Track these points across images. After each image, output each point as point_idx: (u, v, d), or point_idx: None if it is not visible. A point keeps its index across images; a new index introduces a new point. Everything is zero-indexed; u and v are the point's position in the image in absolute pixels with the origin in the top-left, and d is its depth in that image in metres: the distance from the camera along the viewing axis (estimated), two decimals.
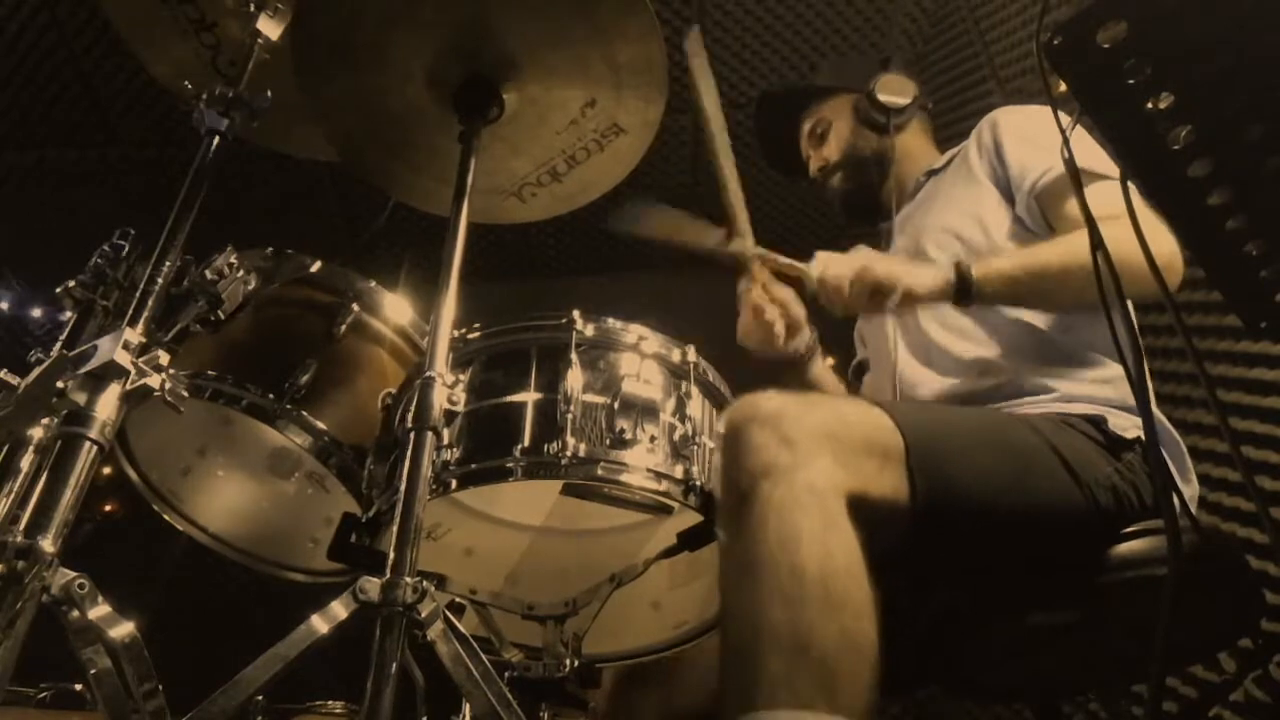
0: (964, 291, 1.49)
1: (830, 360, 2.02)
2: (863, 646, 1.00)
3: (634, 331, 1.41)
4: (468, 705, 1.16)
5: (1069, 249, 1.48)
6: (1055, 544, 1.33)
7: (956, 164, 1.88)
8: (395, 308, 1.72)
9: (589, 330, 1.38)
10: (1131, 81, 0.78)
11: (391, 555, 1.03)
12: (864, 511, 1.12)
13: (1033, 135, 1.71)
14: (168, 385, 1.10)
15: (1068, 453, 1.33)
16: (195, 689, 0.99)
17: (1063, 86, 0.82)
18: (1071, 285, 1.47)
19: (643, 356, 1.38)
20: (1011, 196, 1.70)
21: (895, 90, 1.99)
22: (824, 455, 1.13)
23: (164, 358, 1.12)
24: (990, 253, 1.67)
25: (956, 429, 1.34)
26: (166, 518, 1.74)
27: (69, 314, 1.31)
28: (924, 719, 2.97)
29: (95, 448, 1.03)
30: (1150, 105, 0.79)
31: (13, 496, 1.05)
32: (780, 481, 1.09)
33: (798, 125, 2.15)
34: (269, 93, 1.47)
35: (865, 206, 2.06)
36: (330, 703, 1.75)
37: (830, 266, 1.60)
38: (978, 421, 1.40)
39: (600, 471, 1.27)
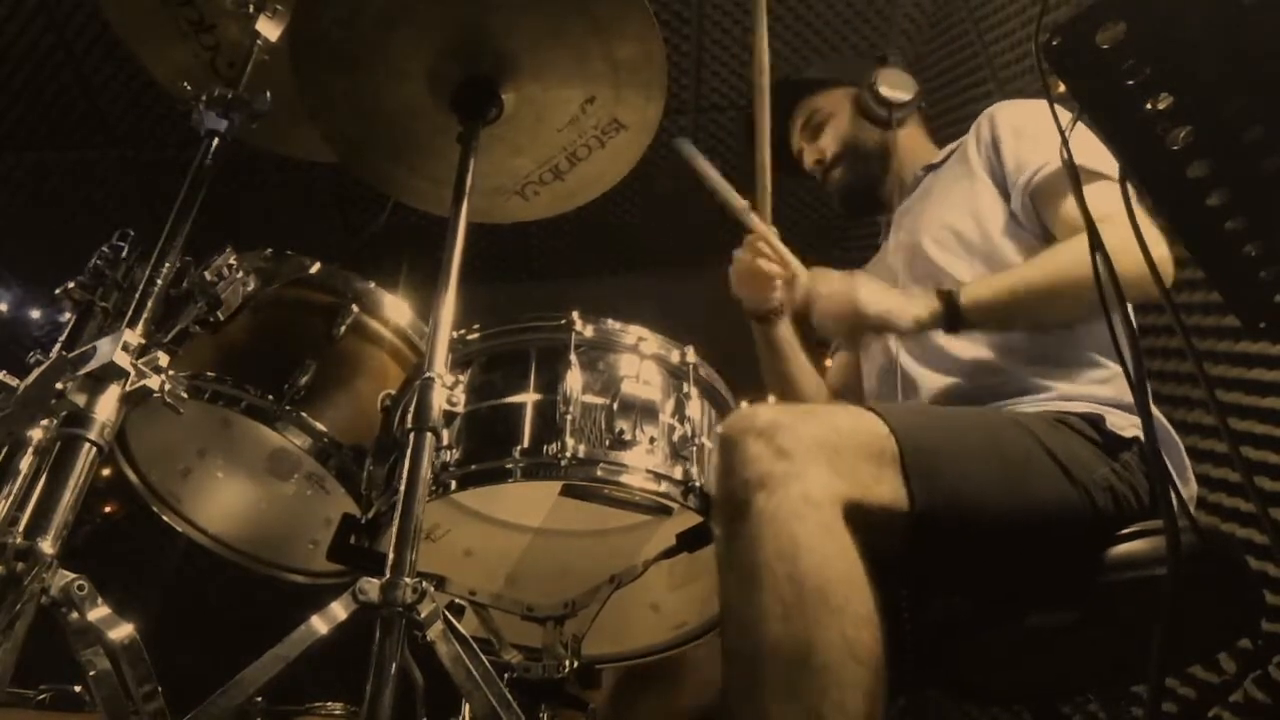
0: (952, 321, 1.50)
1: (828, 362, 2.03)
2: (864, 654, 1.00)
3: (633, 333, 1.41)
4: (467, 706, 1.17)
5: (1057, 266, 1.48)
6: (1054, 546, 1.33)
7: (955, 159, 1.87)
8: (394, 309, 1.72)
9: (588, 331, 1.38)
10: (1130, 82, 0.78)
11: (391, 556, 1.03)
12: (862, 519, 1.12)
13: (1031, 130, 1.70)
14: (167, 386, 1.11)
15: (1062, 454, 1.33)
16: (195, 690, 0.99)
17: (1061, 87, 0.82)
18: (1060, 303, 1.47)
19: (642, 357, 1.39)
20: (1008, 192, 1.69)
21: (896, 85, 1.99)
22: (820, 465, 1.13)
23: (163, 359, 1.12)
24: (986, 249, 1.67)
25: (951, 433, 1.34)
26: (166, 519, 1.73)
27: (68, 315, 1.32)
28: (924, 719, 2.96)
29: (95, 449, 1.03)
30: (1149, 106, 0.79)
31: (12, 498, 1.05)
32: (776, 492, 1.09)
33: (789, 118, 2.12)
34: (268, 94, 1.47)
35: (865, 200, 2.06)
36: (330, 704, 1.74)
37: (821, 289, 1.61)
38: (971, 425, 1.40)
39: (600, 472, 1.27)
